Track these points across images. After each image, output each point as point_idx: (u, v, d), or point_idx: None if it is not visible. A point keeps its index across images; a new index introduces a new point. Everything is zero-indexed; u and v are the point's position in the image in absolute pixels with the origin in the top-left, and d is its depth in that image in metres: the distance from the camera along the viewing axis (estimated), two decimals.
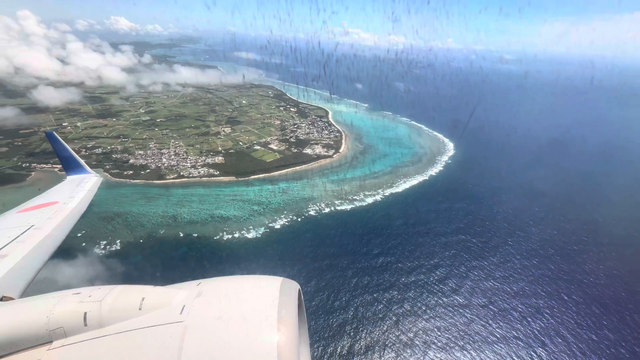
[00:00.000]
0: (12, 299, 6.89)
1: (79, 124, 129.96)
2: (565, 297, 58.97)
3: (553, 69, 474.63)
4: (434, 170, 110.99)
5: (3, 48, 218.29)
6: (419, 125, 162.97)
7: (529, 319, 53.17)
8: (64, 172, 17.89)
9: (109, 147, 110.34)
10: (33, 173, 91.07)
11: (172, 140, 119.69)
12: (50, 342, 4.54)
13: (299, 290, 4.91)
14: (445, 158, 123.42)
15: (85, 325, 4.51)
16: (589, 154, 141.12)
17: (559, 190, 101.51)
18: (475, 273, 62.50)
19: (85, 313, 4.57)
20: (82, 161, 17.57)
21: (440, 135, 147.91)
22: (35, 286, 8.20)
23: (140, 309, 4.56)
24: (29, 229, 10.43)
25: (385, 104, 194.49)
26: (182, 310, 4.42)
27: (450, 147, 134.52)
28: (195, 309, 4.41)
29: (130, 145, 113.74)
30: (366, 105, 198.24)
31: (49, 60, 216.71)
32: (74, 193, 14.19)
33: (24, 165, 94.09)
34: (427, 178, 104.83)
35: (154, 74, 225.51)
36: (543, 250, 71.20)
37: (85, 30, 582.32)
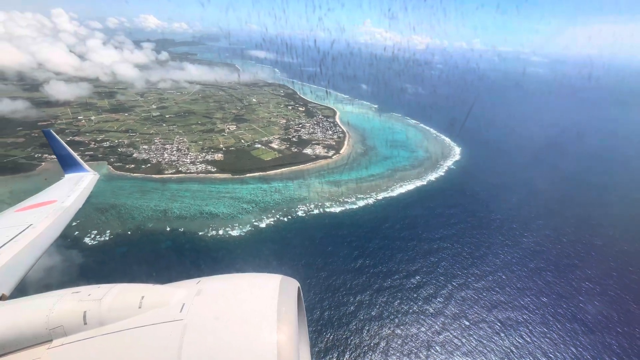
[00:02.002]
0: (5, 295, 7.08)
1: (93, 117, 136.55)
2: (549, 317, 56.02)
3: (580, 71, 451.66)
4: (434, 175, 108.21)
5: (28, 44, 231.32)
6: (427, 128, 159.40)
7: (502, 334, 50.96)
8: None
9: (116, 141, 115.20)
10: (43, 163, 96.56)
11: (177, 136, 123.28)
12: (50, 340, 4.54)
13: (299, 288, 4.90)
14: (448, 163, 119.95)
15: (85, 323, 4.51)
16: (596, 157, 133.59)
17: (559, 196, 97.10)
18: (454, 283, 60.52)
19: (84, 312, 4.57)
20: (79, 159, 17.81)
21: (447, 140, 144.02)
22: (31, 283, 8.78)
23: (139, 308, 4.55)
24: (27, 228, 10.48)
25: (395, 106, 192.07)
26: (182, 308, 4.42)
27: (456, 152, 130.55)
28: (195, 307, 4.42)
29: (137, 139, 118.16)
30: (376, 106, 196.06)
31: (68, 56, 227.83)
32: (71, 191, 14.52)
33: (36, 155, 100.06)
34: (424, 183, 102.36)
35: (169, 71, 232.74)
36: (533, 264, 67.93)
37: (115, 28, 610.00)
